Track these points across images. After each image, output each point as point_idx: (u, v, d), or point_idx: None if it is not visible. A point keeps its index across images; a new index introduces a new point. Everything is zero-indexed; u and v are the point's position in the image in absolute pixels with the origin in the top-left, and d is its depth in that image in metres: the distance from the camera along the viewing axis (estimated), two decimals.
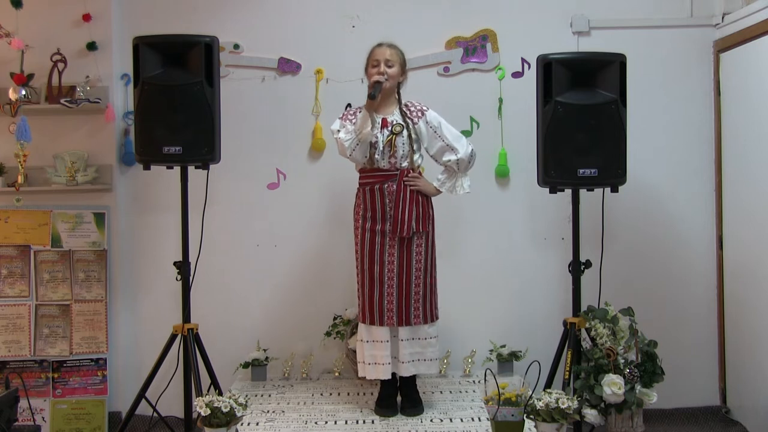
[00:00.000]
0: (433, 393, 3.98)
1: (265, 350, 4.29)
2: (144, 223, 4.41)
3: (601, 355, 3.39)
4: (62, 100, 4.16)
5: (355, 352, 3.84)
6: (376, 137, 3.67)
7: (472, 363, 4.26)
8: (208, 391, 3.59)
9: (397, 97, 3.76)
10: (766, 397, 3.87)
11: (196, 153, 3.56)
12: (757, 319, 3.94)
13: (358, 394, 4.02)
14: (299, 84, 4.39)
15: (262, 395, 4.02)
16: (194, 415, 3.38)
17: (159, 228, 4.39)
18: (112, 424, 4.24)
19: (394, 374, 3.71)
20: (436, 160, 3.79)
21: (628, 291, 4.21)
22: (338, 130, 3.70)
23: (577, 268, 3.72)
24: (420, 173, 3.77)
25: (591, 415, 3.33)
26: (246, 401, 3.25)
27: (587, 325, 3.58)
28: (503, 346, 4.27)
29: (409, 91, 3.84)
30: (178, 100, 3.52)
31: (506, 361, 4.23)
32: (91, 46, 4.27)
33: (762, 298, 3.88)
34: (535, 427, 3.22)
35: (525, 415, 3.17)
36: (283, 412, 3.78)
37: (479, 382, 4.11)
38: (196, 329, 3.67)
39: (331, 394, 4.03)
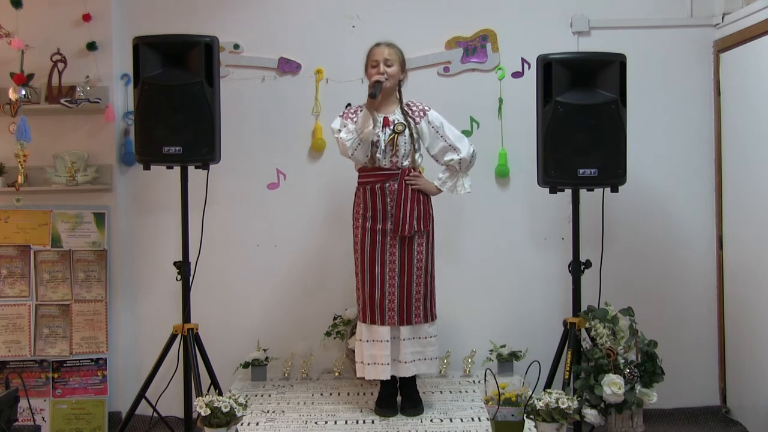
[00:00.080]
0: (433, 393, 3.98)
1: (265, 350, 4.29)
2: (144, 223, 4.41)
3: (601, 355, 3.39)
4: (62, 100, 4.16)
5: (354, 352, 3.84)
6: (378, 136, 3.67)
7: (472, 363, 4.26)
8: (208, 391, 3.59)
9: (398, 96, 3.76)
10: (766, 397, 3.87)
11: (196, 153, 3.56)
12: (757, 319, 3.94)
13: (358, 394, 4.02)
14: (299, 84, 4.39)
15: (262, 395, 4.02)
16: (194, 415, 3.38)
17: (159, 228, 4.39)
18: (112, 424, 4.24)
19: (393, 375, 3.70)
20: (436, 160, 3.79)
21: (628, 291, 4.20)
22: (339, 130, 3.69)
23: (577, 268, 3.72)
24: (420, 172, 3.78)
25: (591, 415, 3.33)
26: (246, 401, 3.25)
27: (587, 325, 3.58)
28: (503, 346, 4.26)
29: (409, 91, 3.84)
30: (178, 100, 3.52)
31: (506, 361, 4.23)
32: (91, 46, 4.27)
33: (762, 298, 3.88)
34: (535, 427, 3.22)
35: (525, 415, 3.17)
36: (283, 412, 3.78)
37: (479, 382, 4.11)
38: (196, 329, 3.67)
39: (331, 394, 4.03)
